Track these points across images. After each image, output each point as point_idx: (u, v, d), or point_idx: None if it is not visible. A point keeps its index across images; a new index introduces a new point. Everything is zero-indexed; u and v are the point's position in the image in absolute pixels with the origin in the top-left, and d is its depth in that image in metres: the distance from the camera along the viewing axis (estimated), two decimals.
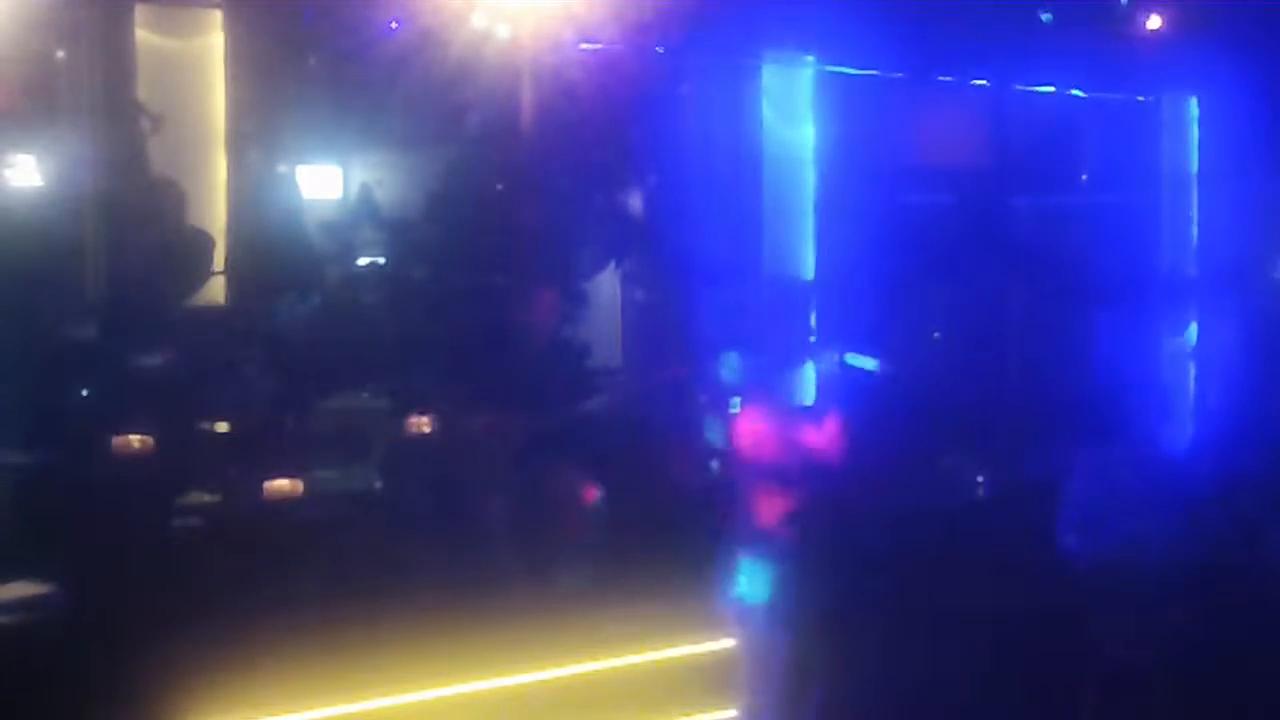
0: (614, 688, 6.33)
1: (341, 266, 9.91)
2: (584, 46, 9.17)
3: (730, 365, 8.76)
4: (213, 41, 8.93)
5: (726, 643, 6.65)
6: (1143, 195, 12.40)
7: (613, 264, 10.19)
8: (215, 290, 8.64)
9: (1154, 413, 7.94)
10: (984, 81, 11.40)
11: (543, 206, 9.32)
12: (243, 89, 9.01)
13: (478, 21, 8.55)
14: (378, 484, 8.28)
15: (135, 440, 7.08)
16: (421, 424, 7.79)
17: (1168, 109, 12.42)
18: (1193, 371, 12.14)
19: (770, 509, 7.72)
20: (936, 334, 11.35)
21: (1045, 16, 11.02)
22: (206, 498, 7.56)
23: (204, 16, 8.93)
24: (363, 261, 10.09)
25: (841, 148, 10.60)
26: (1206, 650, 7.09)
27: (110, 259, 8.32)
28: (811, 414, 8.21)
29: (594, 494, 7.72)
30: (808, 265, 10.64)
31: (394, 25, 8.99)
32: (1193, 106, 12.39)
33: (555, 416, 7.88)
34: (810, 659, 6.94)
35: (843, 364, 9.01)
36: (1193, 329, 12.33)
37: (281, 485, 7.29)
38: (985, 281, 11.32)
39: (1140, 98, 12.30)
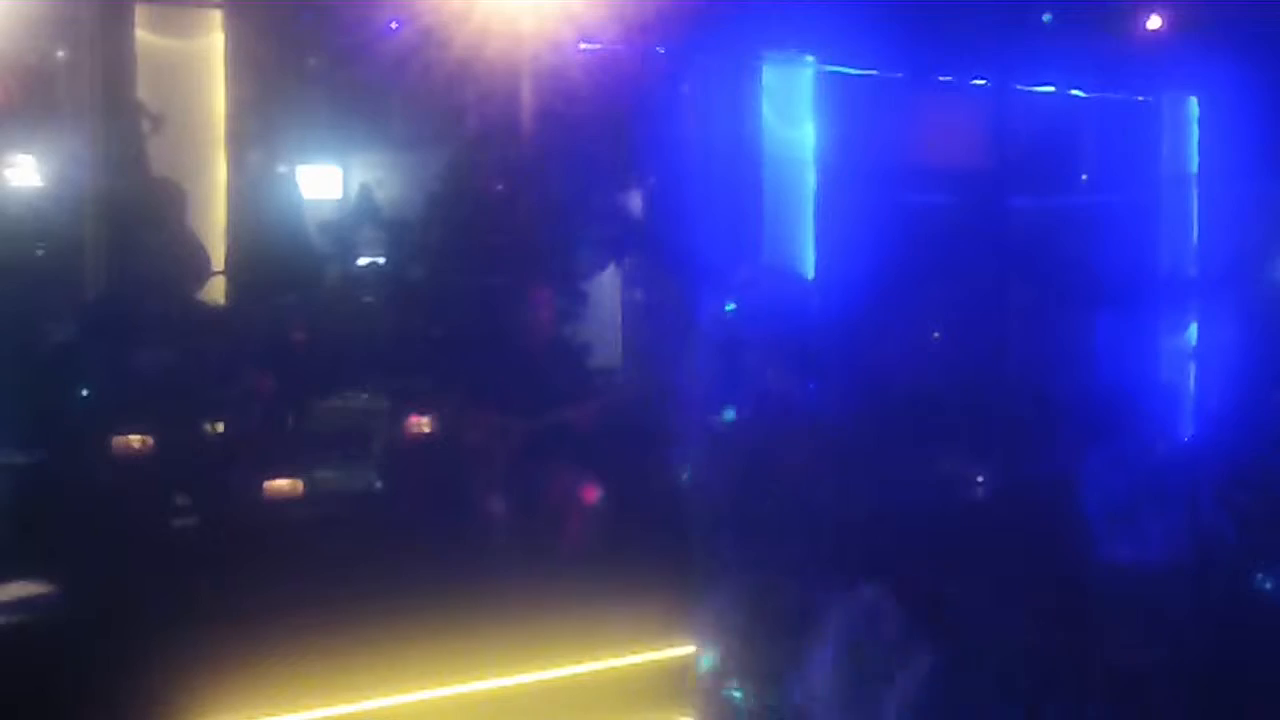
0: (615, 688, 6.33)
1: (341, 266, 9.91)
2: (584, 46, 9.17)
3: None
4: (213, 41, 8.93)
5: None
6: (1143, 195, 12.40)
7: (613, 264, 10.19)
8: (215, 290, 8.65)
9: (1154, 413, 7.93)
10: (984, 81, 11.40)
11: (543, 207, 9.32)
12: (243, 89, 9.01)
13: (478, 21, 8.55)
14: (378, 484, 8.27)
15: (135, 440, 7.07)
16: (421, 424, 7.79)
17: (1168, 109, 12.42)
18: (1193, 371, 12.14)
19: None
20: (936, 334, 11.35)
21: (1045, 16, 11.02)
22: (206, 498, 7.55)
23: (204, 16, 8.92)
24: (363, 261, 10.10)
25: (841, 148, 10.60)
26: (1207, 650, 7.09)
27: (110, 259, 8.32)
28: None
29: (594, 494, 7.71)
30: (808, 265, 10.64)
31: (394, 25, 8.99)
32: (1193, 106, 12.40)
33: (555, 416, 7.87)
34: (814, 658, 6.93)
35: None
36: (1193, 329, 12.34)
37: (281, 485, 7.29)
38: (984, 282, 11.33)
39: (1140, 98, 12.30)
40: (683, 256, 10.30)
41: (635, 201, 10.35)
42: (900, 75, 10.85)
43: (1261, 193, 12.07)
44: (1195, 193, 12.43)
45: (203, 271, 8.38)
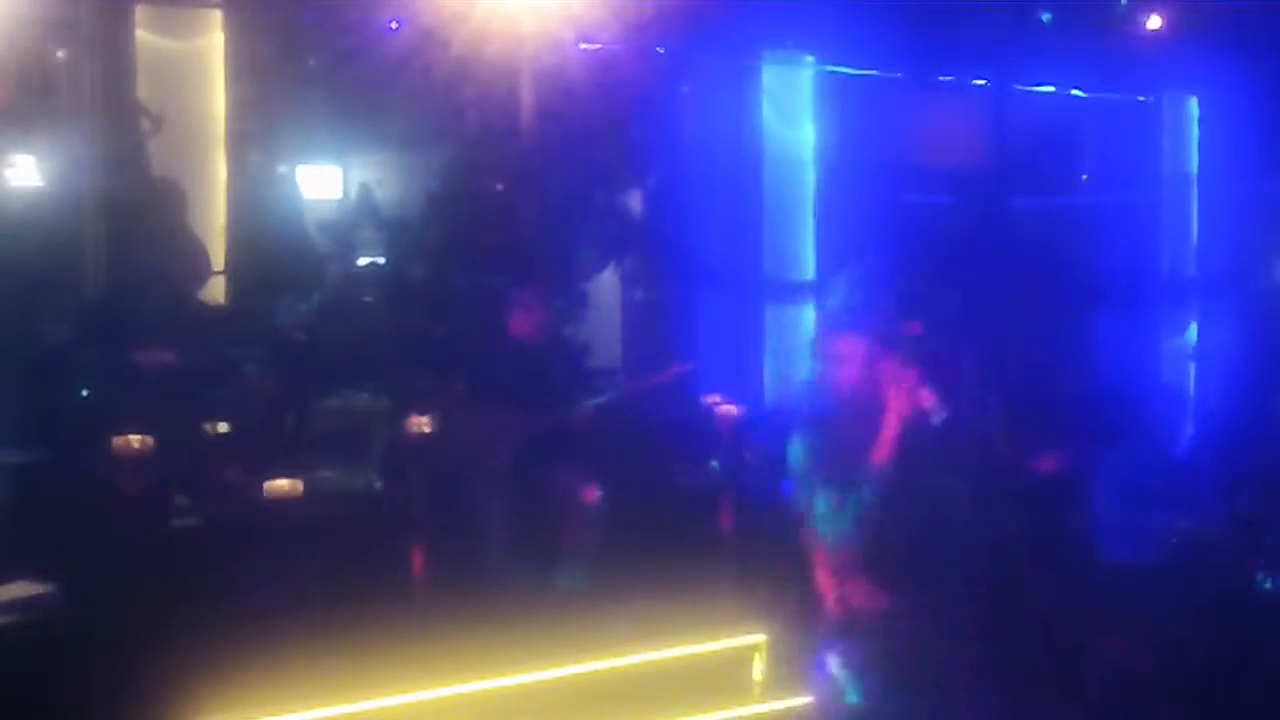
0: (614, 688, 6.32)
1: (341, 266, 9.92)
2: (584, 46, 9.17)
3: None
4: (213, 41, 8.94)
5: (726, 642, 6.63)
6: (1143, 195, 12.40)
7: (613, 264, 10.20)
8: (215, 290, 8.65)
9: (1153, 413, 7.93)
10: (984, 81, 11.40)
11: (543, 207, 9.33)
12: (243, 89, 9.02)
13: (478, 21, 8.55)
14: (378, 484, 8.27)
15: (135, 440, 7.08)
16: (421, 424, 7.79)
17: (1168, 109, 12.43)
18: (1193, 371, 12.14)
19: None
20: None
21: (1045, 16, 11.03)
22: (206, 498, 7.56)
23: (204, 16, 8.94)
24: (363, 261, 10.10)
25: (841, 148, 10.59)
26: (1207, 650, 7.08)
27: (110, 259, 8.33)
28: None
29: (594, 494, 7.72)
30: (808, 265, 10.65)
31: (394, 25, 8.99)
32: (1193, 106, 12.40)
33: (555, 416, 7.88)
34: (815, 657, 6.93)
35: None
36: (1193, 329, 12.34)
37: (281, 485, 7.28)
38: (984, 282, 11.32)
39: (1140, 98, 12.31)
40: (683, 256, 10.31)
41: (635, 201, 10.36)
42: (900, 75, 10.85)
43: (1261, 193, 12.07)
44: (1195, 193, 12.43)
45: (203, 271, 8.40)
